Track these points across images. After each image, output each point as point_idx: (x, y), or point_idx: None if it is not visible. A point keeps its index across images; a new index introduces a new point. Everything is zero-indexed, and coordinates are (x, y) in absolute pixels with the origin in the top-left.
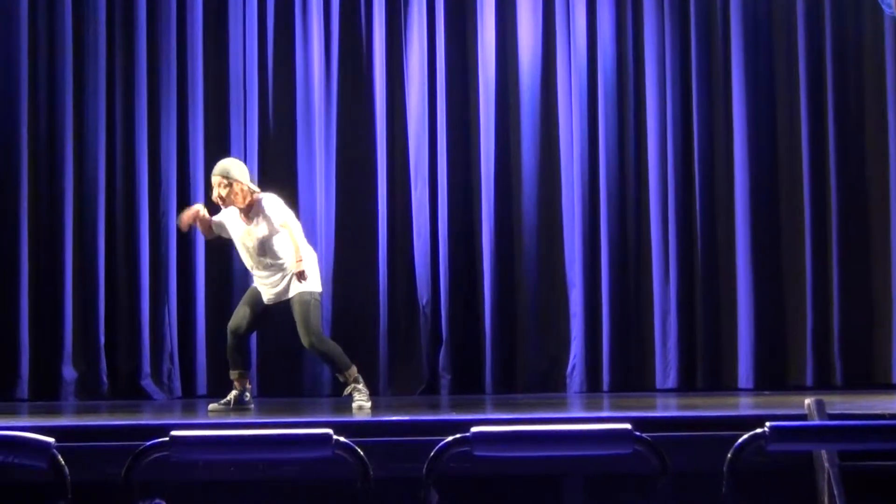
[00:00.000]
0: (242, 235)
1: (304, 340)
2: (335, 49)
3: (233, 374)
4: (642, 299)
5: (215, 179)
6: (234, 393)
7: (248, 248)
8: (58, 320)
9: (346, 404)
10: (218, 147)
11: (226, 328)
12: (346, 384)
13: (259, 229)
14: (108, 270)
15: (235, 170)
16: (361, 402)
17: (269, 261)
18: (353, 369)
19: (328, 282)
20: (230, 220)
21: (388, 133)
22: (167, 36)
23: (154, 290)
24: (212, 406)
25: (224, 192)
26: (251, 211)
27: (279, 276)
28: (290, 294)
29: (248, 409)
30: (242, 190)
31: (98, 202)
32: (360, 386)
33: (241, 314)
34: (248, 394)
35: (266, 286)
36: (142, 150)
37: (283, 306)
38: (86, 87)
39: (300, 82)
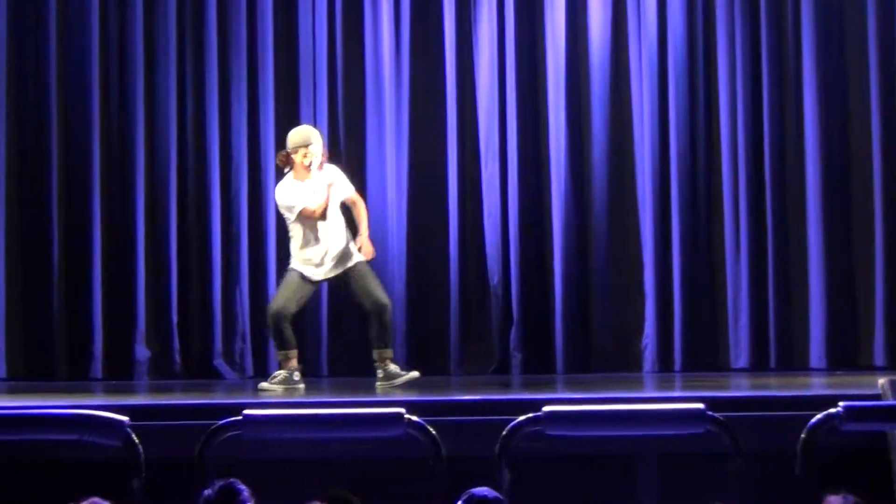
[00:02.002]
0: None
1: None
2: (405, 29)
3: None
4: (714, 279)
5: (300, 150)
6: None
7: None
8: (130, 301)
9: (417, 384)
10: (288, 128)
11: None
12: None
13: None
14: (180, 250)
15: (315, 138)
16: (272, 386)
17: (330, 225)
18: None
19: (401, 262)
20: (300, 190)
21: (459, 111)
22: (237, 20)
23: (226, 269)
24: (273, 387)
25: (302, 161)
26: (318, 179)
27: (333, 245)
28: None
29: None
30: (319, 156)
31: (170, 183)
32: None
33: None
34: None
35: (320, 260)
36: (213, 132)
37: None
38: (157, 71)
39: (370, 64)
